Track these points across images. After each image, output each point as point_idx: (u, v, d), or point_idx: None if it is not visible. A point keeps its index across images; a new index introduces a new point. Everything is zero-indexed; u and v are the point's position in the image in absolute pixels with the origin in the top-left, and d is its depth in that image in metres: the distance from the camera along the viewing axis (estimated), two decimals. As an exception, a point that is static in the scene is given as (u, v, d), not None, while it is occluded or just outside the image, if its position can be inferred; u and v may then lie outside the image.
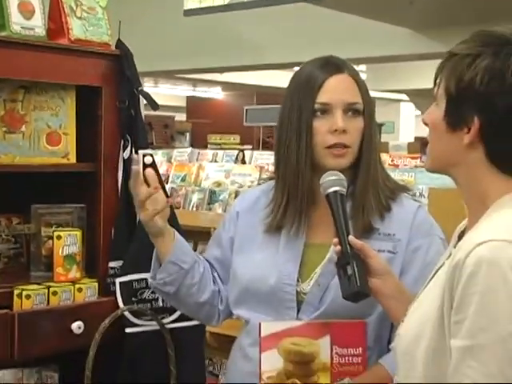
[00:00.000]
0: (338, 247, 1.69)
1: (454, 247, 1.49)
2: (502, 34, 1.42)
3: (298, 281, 1.87)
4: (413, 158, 4.25)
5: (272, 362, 1.81)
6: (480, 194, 1.47)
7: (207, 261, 2.01)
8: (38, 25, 2.19)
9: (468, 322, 1.32)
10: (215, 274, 2.00)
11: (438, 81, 1.49)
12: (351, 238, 1.69)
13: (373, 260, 1.70)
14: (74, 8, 2.26)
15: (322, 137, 1.84)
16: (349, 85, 1.89)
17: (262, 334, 1.80)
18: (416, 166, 4.10)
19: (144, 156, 2.18)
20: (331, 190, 1.74)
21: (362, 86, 1.91)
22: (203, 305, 1.96)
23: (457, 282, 1.34)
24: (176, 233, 1.92)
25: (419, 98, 14.49)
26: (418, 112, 15.79)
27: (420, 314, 1.46)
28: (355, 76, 1.91)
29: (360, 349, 1.81)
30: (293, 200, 1.88)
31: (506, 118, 1.39)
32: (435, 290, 1.43)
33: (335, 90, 1.86)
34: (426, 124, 1.54)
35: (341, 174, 1.77)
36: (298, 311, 1.85)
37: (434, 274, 1.53)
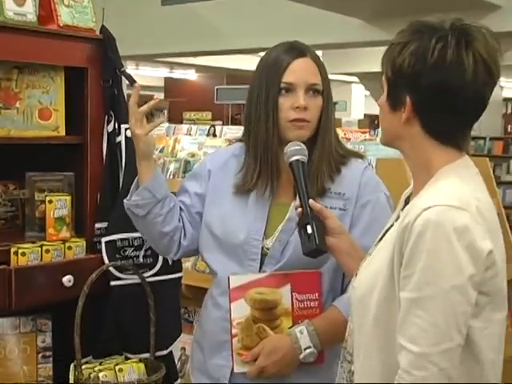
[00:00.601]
0: (300, 209, 1.71)
1: (402, 210, 1.51)
2: (429, 22, 1.44)
3: (263, 237, 1.89)
4: (362, 132, 4.26)
5: (240, 310, 1.82)
6: (424, 164, 1.48)
7: None
8: (29, 11, 2.17)
9: (416, 277, 1.34)
10: (183, 215, 2.01)
11: (382, 69, 1.50)
12: (311, 201, 1.70)
13: (330, 220, 1.72)
14: (63, -4, 2.25)
15: (286, 112, 1.86)
16: (311, 67, 1.90)
17: (231, 287, 1.82)
18: (365, 140, 4.11)
19: (126, 129, 2.18)
20: (294, 158, 1.77)
21: (322, 69, 1.92)
22: (164, 236, 1.97)
23: (406, 242, 1.36)
24: (158, 168, 1.98)
25: (368, 80, 14.51)
26: (367, 92, 15.80)
27: (373, 269, 1.48)
28: (316, 60, 1.92)
29: (316, 294, 1.84)
30: (264, 168, 1.90)
31: (431, 95, 1.41)
32: (386, 247, 1.45)
33: (299, 71, 1.87)
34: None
35: (302, 145, 1.80)
36: (262, 264, 1.87)
37: (384, 234, 1.54)
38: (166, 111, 14.71)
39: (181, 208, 2.02)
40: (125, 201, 1.96)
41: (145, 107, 1.90)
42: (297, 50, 1.90)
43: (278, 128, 1.87)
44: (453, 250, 1.32)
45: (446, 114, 1.43)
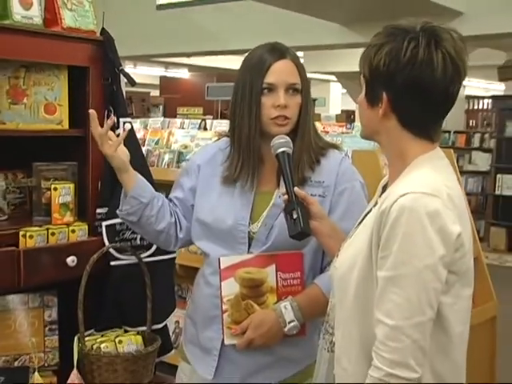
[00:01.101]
0: (286, 196, 1.72)
1: (380, 197, 1.52)
2: (401, 25, 1.44)
3: (249, 222, 1.88)
4: (340, 126, 4.27)
5: (230, 288, 1.83)
6: (399, 155, 1.49)
7: (172, 200, 2.02)
8: (35, 15, 2.15)
9: (392, 257, 1.34)
10: (177, 210, 2.01)
11: (360, 69, 1.51)
12: (296, 189, 1.71)
13: (313, 206, 1.73)
14: (66, 2, 2.23)
15: (267, 110, 1.86)
16: (290, 68, 1.89)
17: (222, 267, 1.82)
18: (342, 133, 4.12)
19: (124, 123, 2.17)
20: (280, 150, 1.78)
21: (301, 70, 1.91)
22: (161, 232, 1.98)
23: (383, 225, 1.36)
24: (138, 174, 1.95)
25: (345, 79, 14.51)
26: (344, 90, 15.81)
27: (352, 250, 1.48)
28: (296, 61, 1.91)
29: (299, 273, 1.84)
30: (246, 160, 1.90)
31: (405, 91, 1.41)
32: (365, 231, 1.45)
33: (279, 72, 1.87)
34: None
35: (287, 137, 1.81)
36: (249, 246, 1.87)
37: (363, 219, 1.55)
38: (161, 107, 14.71)
39: (175, 203, 2.02)
40: (118, 212, 1.97)
41: (104, 129, 1.91)
42: (278, 52, 1.90)
43: (261, 124, 1.87)
44: (425, 233, 1.33)
45: (419, 107, 1.43)
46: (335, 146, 1.99)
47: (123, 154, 1.93)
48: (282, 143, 1.79)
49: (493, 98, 11.67)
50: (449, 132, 12.04)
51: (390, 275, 1.35)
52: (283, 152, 1.78)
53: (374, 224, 1.40)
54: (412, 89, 1.41)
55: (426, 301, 1.33)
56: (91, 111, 1.94)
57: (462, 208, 1.43)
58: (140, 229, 2.00)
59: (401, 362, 1.32)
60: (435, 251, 1.33)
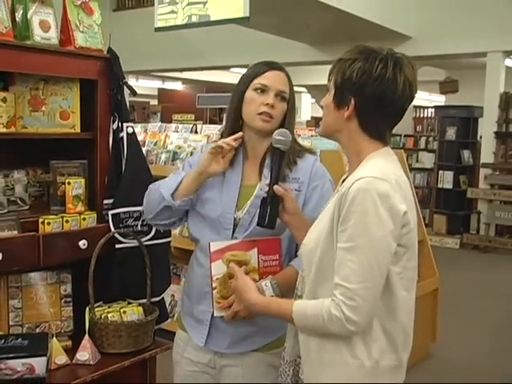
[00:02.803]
0: (267, 188, 1.71)
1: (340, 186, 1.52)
2: (371, 46, 1.46)
3: (235, 211, 1.87)
4: (310, 130, 4.29)
5: (219, 269, 1.81)
6: (356, 153, 1.50)
7: None
8: (53, 36, 2.13)
9: (349, 231, 1.36)
10: None
11: (330, 77, 1.51)
12: (276, 187, 1.69)
13: (288, 203, 1.71)
14: (78, 25, 2.21)
15: (257, 106, 1.84)
16: (283, 79, 1.88)
17: (211, 251, 1.80)
18: (312, 135, 4.14)
19: (127, 127, 2.15)
20: (277, 145, 1.72)
21: (290, 84, 1.91)
22: (181, 219, 1.96)
23: (343, 204, 1.38)
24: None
25: (313, 90, 14.58)
26: (313, 100, 15.84)
27: (318, 229, 1.49)
28: (288, 76, 1.91)
29: (277, 256, 1.83)
30: (235, 152, 1.88)
31: (371, 101, 1.43)
32: (328, 212, 1.46)
33: (273, 78, 1.86)
34: (321, 106, 1.57)
35: (289, 137, 1.74)
36: (234, 231, 1.85)
37: (327, 204, 1.55)
38: (159, 114, 14.64)
39: None
40: (169, 200, 1.85)
41: (220, 166, 1.83)
42: (275, 65, 1.90)
43: (247, 118, 1.86)
44: (377, 211, 1.34)
45: (379, 116, 1.46)
46: (310, 151, 1.98)
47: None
48: (281, 141, 1.72)
49: (435, 107, 11.76)
50: (400, 135, 12.13)
51: (348, 246, 1.36)
52: (279, 149, 1.72)
53: (336, 205, 1.41)
54: (376, 100, 1.42)
55: (377, 268, 1.35)
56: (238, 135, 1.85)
57: (408, 193, 1.44)
58: (169, 215, 1.91)
59: (350, 316, 1.34)
60: (386, 226, 1.35)
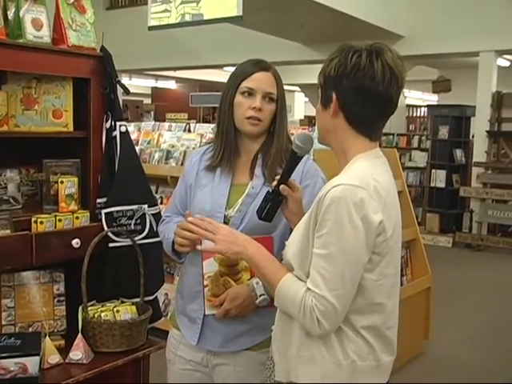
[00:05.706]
0: (275, 183, 1.70)
1: None
2: (350, 44, 1.47)
3: (226, 208, 1.87)
4: (303, 128, 4.29)
5: (210, 267, 1.81)
6: (343, 151, 1.51)
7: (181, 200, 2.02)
8: (45, 35, 2.12)
9: (323, 238, 1.36)
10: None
11: (319, 80, 1.53)
12: (282, 186, 1.68)
13: (291, 203, 1.70)
14: (71, 23, 2.19)
15: (244, 110, 1.85)
16: (270, 80, 1.88)
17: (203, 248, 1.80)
18: (305, 135, 4.11)
19: (120, 126, 2.14)
20: (295, 150, 1.67)
21: (279, 82, 1.90)
22: None
23: (319, 211, 1.38)
24: None
25: (307, 89, 14.60)
26: (307, 99, 15.86)
27: (299, 231, 1.49)
28: (276, 75, 1.90)
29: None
30: (226, 150, 1.90)
31: (351, 92, 1.43)
32: (307, 215, 1.47)
33: (259, 80, 1.85)
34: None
35: (311, 144, 1.67)
36: (225, 229, 1.85)
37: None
38: (152, 112, 14.62)
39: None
40: (176, 260, 1.95)
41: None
42: (262, 65, 1.89)
43: (236, 121, 1.86)
44: (351, 219, 1.34)
45: (362, 106, 1.44)
46: None
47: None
48: (301, 148, 1.65)
49: (428, 106, 11.79)
50: (393, 134, 12.16)
51: (321, 253, 1.36)
52: (296, 154, 1.67)
53: (313, 209, 1.42)
54: (357, 90, 1.42)
55: (348, 277, 1.36)
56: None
57: (388, 199, 1.43)
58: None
59: (320, 320, 1.36)
60: (359, 235, 1.35)
